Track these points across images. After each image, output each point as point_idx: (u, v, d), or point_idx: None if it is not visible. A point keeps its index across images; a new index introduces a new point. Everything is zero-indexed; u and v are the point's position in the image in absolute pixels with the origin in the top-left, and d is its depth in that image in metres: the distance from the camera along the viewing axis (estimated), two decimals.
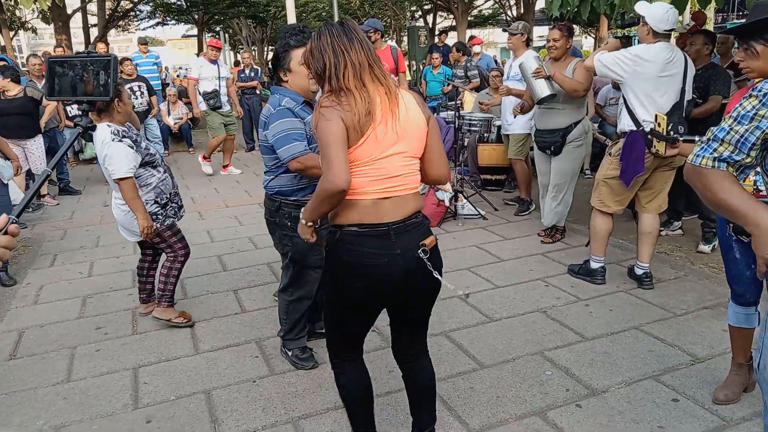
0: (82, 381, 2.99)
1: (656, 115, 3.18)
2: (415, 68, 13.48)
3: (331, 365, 2.17)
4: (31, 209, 6.42)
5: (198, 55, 20.75)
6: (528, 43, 5.45)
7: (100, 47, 10.58)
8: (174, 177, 3.58)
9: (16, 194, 6.07)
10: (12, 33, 15.94)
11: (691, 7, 7.46)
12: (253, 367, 3.05)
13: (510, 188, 6.62)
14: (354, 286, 1.96)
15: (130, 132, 3.36)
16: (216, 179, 8.10)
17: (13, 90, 6.32)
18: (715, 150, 1.47)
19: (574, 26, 6.66)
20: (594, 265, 3.96)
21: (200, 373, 3.02)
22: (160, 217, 3.42)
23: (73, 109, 7.98)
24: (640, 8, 3.60)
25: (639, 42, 3.72)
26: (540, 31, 26.21)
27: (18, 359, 3.27)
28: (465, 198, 5.56)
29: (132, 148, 3.26)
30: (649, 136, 3.37)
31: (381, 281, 1.94)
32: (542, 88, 4.37)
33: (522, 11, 18.20)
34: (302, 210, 2.06)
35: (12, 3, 13.54)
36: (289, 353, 3.08)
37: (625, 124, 3.69)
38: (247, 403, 2.73)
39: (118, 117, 3.33)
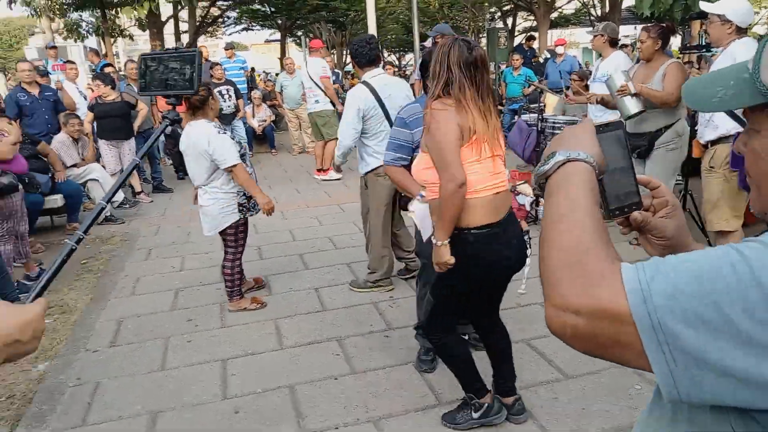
0: (175, 370, 3.16)
1: None
2: (493, 70, 13.30)
3: (440, 342, 2.47)
4: (128, 205, 6.86)
5: (281, 59, 21.42)
6: (613, 43, 5.25)
7: (204, 53, 11.19)
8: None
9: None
10: (112, 40, 17.09)
11: None
12: (335, 365, 3.12)
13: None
14: (478, 274, 2.28)
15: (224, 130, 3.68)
16: (296, 180, 8.32)
17: (111, 95, 6.78)
18: None
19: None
20: None
21: (284, 368, 3.11)
22: (244, 208, 3.69)
23: (230, 107, 8.52)
24: (720, 7, 3.41)
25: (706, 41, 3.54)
26: (626, 30, 25.19)
27: (118, 347, 3.50)
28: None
29: (231, 140, 3.62)
30: None
31: (502, 266, 2.31)
32: (629, 106, 4.15)
33: (607, 10, 17.56)
34: (432, 235, 2.29)
35: (113, 12, 14.52)
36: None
37: (725, 128, 3.47)
38: (330, 399, 2.79)
39: (211, 114, 3.66)
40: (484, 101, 2.19)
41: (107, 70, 7.84)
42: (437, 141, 2.13)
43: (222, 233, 3.75)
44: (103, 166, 6.75)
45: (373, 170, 3.89)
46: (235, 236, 3.78)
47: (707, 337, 0.58)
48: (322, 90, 7.95)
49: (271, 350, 3.33)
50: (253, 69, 18.18)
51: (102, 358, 3.36)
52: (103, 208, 1.30)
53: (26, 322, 0.90)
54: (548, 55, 10.10)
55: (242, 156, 3.68)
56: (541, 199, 5.40)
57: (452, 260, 2.20)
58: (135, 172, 7.45)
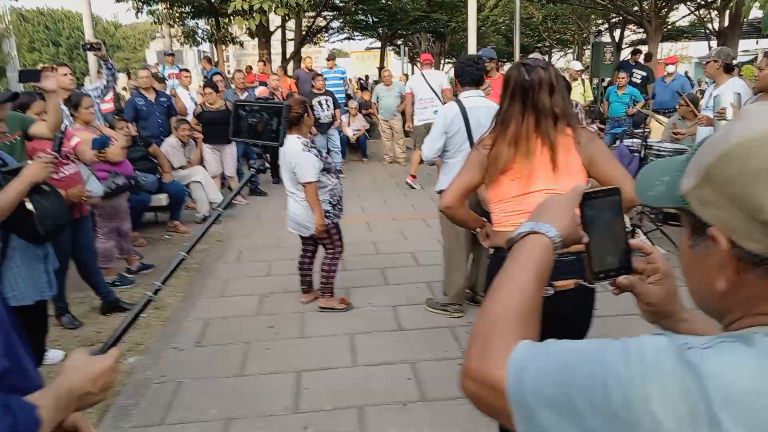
0: (252, 377, 3.27)
1: None
2: (596, 86, 12.77)
3: None
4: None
5: (380, 68, 21.78)
6: (728, 68, 4.87)
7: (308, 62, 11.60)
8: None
9: (216, 193, 6.89)
10: (224, 46, 18.12)
11: None
12: (406, 390, 3.09)
13: None
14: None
15: (314, 143, 3.93)
16: (385, 191, 8.39)
17: (217, 103, 7.19)
18: None
19: None
20: None
21: (356, 386, 3.13)
22: (331, 215, 3.98)
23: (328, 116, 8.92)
24: None
25: None
26: (746, 45, 23.31)
27: (202, 347, 3.67)
28: (643, 234, 5.12)
29: (317, 157, 3.87)
30: None
31: None
32: None
33: (726, 24, 16.35)
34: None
35: (227, 21, 15.39)
36: None
37: None
38: (398, 426, 2.77)
39: (305, 129, 3.96)
40: (539, 129, 2.05)
41: (216, 78, 8.28)
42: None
43: (317, 237, 4.04)
44: (206, 168, 7.15)
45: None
46: (330, 239, 4.07)
47: (560, 423, 0.63)
48: (441, 101, 7.95)
49: (345, 366, 3.36)
50: (350, 80, 18.61)
51: (187, 357, 3.53)
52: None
53: (98, 375, 0.98)
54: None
55: (329, 170, 3.95)
56: (639, 230, 5.11)
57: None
58: (234, 174, 7.84)
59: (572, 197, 0.92)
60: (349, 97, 13.89)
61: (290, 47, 16.94)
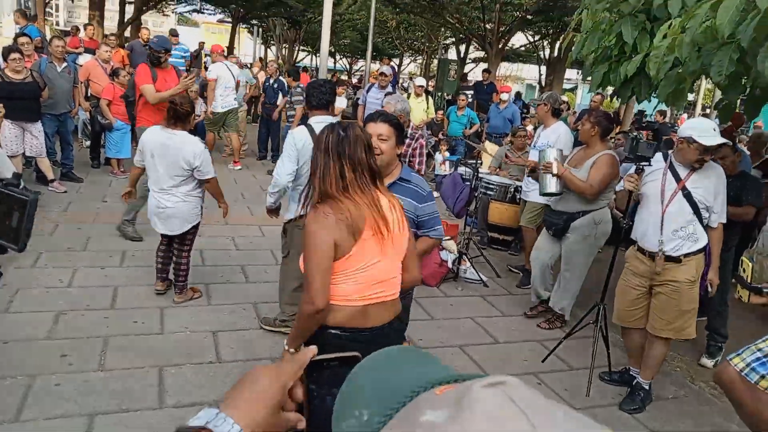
0: (31, 422, 2.80)
1: (741, 260, 3.00)
2: (439, 98, 13.37)
3: None
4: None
5: (229, 48, 20.70)
6: (555, 113, 5.29)
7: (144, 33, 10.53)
8: None
9: (7, 168, 5.94)
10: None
11: None
12: None
13: (516, 251, 6.42)
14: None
15: None
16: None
17: (22, 73, 6.23)
18: None
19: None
20: None
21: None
22: (201, 209, 4.23)
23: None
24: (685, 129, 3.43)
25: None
26: (570, 74, 26.07)
27: None
28: (468, 261, 5.37)
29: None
30: (733, 281, 3.20)
31: None
32: (548, 185, 4.17)
33: (555, 54, 18.11)
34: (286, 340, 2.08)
35: None
36: None
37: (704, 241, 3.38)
38: None
39: (189, 126, 4.11)
40: (365, 191, 1.95)
41: (22, 41, 7.12)
42: (307, 256, 1.93)
43: (185, 233, 4.17)
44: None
45: (293, 220, 3.68)
46: (194, 235, 4.27)
47: None
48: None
49: (151, 408, 3.02)
50: (202, 44, 17.41)
51: None
52: None
53: None
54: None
55: None
56: (465, 257, 5.34)
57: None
58: (45, 156, 6.84)
59: (289, 370, 0.73)
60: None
61: (129, 11, 15.37)
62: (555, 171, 4.08)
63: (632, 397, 3.58)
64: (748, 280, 2.95)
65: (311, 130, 3.59)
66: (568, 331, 4.01)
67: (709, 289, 3.41)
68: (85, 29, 11.12)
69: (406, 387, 0.53)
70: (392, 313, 2.09)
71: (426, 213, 2.70)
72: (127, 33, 14.52)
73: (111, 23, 15.57)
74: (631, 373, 3.77)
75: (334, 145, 1.94)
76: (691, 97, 19.00)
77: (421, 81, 9.27)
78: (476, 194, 5.83)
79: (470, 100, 10.41)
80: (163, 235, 4.26)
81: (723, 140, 3.29)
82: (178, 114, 3.97)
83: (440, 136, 9.43)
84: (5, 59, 6.54)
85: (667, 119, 13.08)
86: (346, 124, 2.01)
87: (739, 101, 4.02)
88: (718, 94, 8.49)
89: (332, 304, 1.97)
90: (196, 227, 4.23)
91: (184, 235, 4.17)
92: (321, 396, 0.71)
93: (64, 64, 7.17)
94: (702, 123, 3.48)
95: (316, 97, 3.70)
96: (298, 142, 3.56)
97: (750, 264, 2.99)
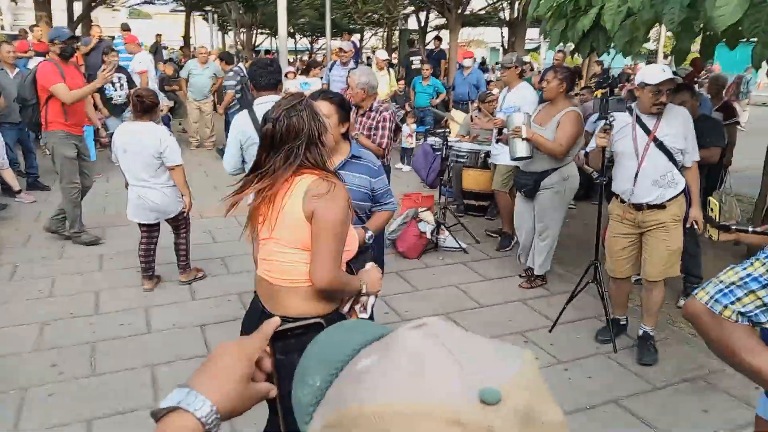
0: None
1: (709, 200, 3.07)
2: (399, 72, 13.30)
3: None
4: None
5: (185, 37, 20.25)
6: (522, 74, 5.32)
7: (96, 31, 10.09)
8: None
9: None
10: None
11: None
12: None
13: (492, 215, 6.49)
14: None
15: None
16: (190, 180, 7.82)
17: None
18: (738, 300, 1.32)
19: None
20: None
21: None
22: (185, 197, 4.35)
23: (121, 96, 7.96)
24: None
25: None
26: (532, 34, 26.07)
27: None
28: (446, 230, 5.43)
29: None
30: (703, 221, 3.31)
31: None
32: (518, 149, 4.25)
33: (515, 15, 18.05)
34: None
35: None
36: None
37: (683, 184, 3.54)
38: None
39: (155, 117, 4.22)
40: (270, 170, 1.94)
41: None
42: None
43: (174, 220, 4.35)
44: None
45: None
46: (184, 219, 4.41)
47: None
48: None
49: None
50: (159, 36, 16.99)
51: None
52: None
53: None
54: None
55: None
56: (443, 227, 5.39)
57: None
58: (8, 166, 6.69)
59: (253, 343, 0.75)
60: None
61: (78, 10, 14.86)
62: (524, 135, 4.13)
63: (647, 347, 3.62)
64: (717, 219, 3.04)
65: (252, 113, 3.53)
66: (570, 295, 4.01)
67: (695, 226, 3.53)
68: (32, 31, 10.75)
69: (349, 347, 0.57)
70: (284, 305, 1.97)
71: (380, 187, 2.76)
72: (78, 32, 14.08)
73: (60, 23, 15.08)
74: (620, 321, 3.90)
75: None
76: (652, 46, 19.19)
77: (383, 54, 9.21)
78: (448, 163, 5.86)
79: (418, 66, 10.43)
80: (142, 229, 4.31)
81: (670, 75, 3.38)
82: (145, 106, 4.07)
83: (406, 107, 9.42)
84: None
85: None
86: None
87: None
88: None
89: None
90: (183, 213, 4.35)
91: (176, 221, 4.36)
92: (288, 364, 0.71)
93: (16, 70, 6.97)
94: (650, 67, 3.60)
95: (265, 77, 3.63)
96: (238, 128, 3.52)
97: (717, 204, 3.07)
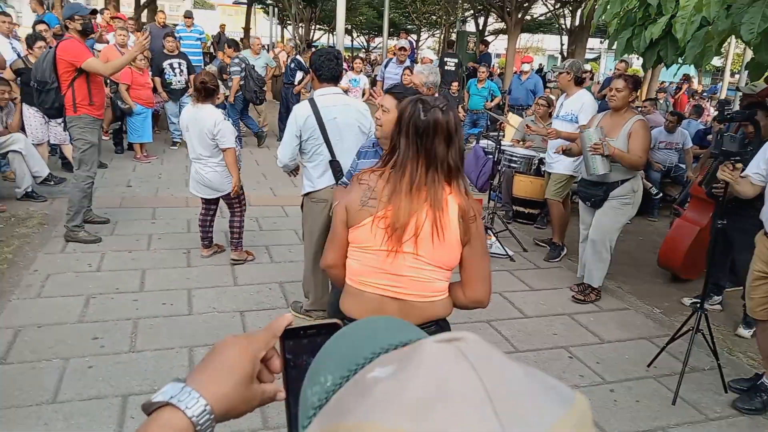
0: (68, 404, 2.84)
1: None
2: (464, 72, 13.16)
3: None
4: (52, 182, 6.30)
5: (246, 29, 20.61)
6: (578, 81, 5.14)
7: (160, 17, 10.34)
8: None
9: (41, 165, 6.01)
10: None
11: None
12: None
13: (542, 224, 6.32)
14: None
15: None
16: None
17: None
18: None
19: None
20: None
21: None
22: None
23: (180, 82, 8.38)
24: None
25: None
26: (593, 43, 25.44)
27: (8, 365, 3.13)
28: (494, 235, 5.29)
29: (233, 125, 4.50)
30: None
31: None
32: (599, 166, 4.09)
33: (577, 23, 17.62)
34: None
35: None
36: None
37: None
38: None
39: (217, 101, 4.58)
40: (426, 180, 1.79)
41: (40, 28, 7.15)
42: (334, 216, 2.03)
43: (227, 197, 4.54)
44: (27, 135, 6.19)
45: (307, 194, 3.65)
46: (238, 199, 4.60)
47: None
48: None
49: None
50: (223, 26, 17.41)
51: None
52: None
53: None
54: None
55: (238, 138, 4.69)
56: (490, 232, 5.26)
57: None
58: (69, 142, 6.89)
59: (261, 339, 0.69)
60: (212, 57, 12.94)
61: None
62: (607, 152, 4.00)
63: (751, 396, 3.25)
64: None
65: (314, 104, 3.47)
66: (671, 336, 3.60)
67: None
68: (101, 14, 11.10)
69: (368, 349, 0.49)
70: (408, 314, 1.86)
71: None
72: (143, 17, 14.53)
73: (128, 9, 15.58)
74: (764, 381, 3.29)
75: (415, 126, 1.80)
76: (719, 62, 18.43)
77: (429, 54, 9.12)
78: (499, 167, 5.72)
79: (451, 68, 10.31)
80: (203, 202, 4.64)
81: None
82: (207, 90, 4.33)
83: (460, 110, 9.30)
84: (30, 47, 6.57)
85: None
86: (429, 104, 1.81)
87: None
88: (748, 56, 8.19)
89: (346, 284, 1.98)
90: (239, 194, 4.58)
91: (229, 200, 4.57)
92: (299, 366, 0.65)
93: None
94: None
95: (328, 68, 3.51)
96: (299, 119, 3.46)
97: None
